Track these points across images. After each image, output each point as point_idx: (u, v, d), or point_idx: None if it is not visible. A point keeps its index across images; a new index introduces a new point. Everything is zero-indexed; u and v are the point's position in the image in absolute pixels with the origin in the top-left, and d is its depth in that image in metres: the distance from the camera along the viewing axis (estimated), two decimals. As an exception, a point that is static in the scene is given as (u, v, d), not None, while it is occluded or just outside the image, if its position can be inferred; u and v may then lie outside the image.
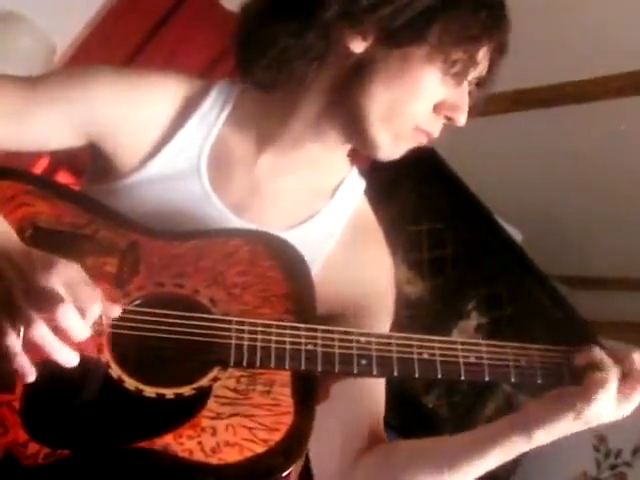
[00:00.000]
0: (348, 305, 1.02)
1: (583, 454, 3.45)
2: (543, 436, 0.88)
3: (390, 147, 0.97)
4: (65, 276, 0.75)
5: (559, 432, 0.88)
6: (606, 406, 0.85)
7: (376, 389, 1.04)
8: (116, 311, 0.81)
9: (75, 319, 0.74)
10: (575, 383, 0.87)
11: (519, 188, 3.13)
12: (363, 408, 1.02)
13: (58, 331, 0.73)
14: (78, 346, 0.75)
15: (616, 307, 3.56)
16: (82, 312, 0.75)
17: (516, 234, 3.29)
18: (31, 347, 0.73)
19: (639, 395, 0.87)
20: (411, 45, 0.91)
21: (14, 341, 0.73)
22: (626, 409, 0.87)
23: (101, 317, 0.78)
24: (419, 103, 0.94)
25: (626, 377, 0.85)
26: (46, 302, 0.73)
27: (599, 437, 3.46)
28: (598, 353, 0.87)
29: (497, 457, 0.91)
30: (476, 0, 0.92)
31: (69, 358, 0.75)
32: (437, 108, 0.95)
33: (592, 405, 0.84)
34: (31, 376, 0.74)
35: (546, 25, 2.21)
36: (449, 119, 0.96)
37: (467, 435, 0.94)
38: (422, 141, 0.97)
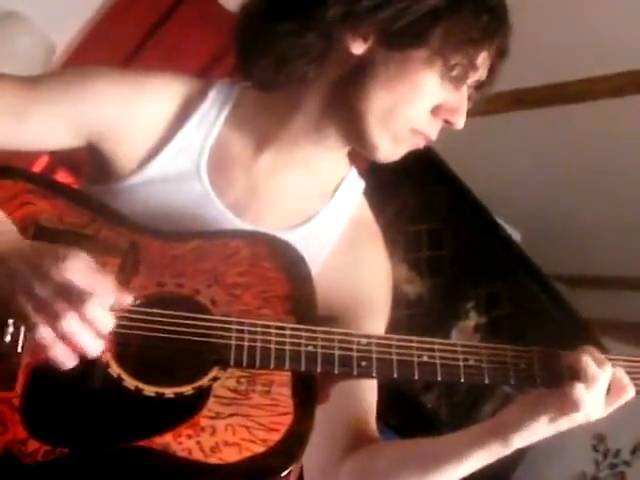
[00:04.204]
0: (345, 306, 1.01)
1: (582, 454, 3.46)
2: (520, 441, 0.89)
3: (388, 149, 0.97)
4: (78, 267, 0.75)
5: (535, 437, 0.88)
6: (583, 413, 0.85)
7: (365, 389, 1.03)
8: (129, 299, 0.81)
9: (100, 310, 0.74)
10: None
11: (518, 188, 3.13)
12: (349, 408, 1.01)
13: (84, 323, 0.74)
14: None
15: (616, 307, 3.56)
16: (102, 302, 0.75)
17: (515, 234, 3.29)
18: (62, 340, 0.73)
19: (619, 403, 0.87)
20: (411, 48, 0.91)
21: (47, 333, 0.73)
22: (603, 413, 0.87)
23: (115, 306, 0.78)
24: (417, 106, 0.94)
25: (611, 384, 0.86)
26: (71, 295, 0.73)
27: (598, 437, 3.46)
28: (584, 359, 0.86)
29: (477, 460, 0.91)
30: (478, 4, 0.92)
31: (97, 349, 0.75)
32: (435, 111, 0.94)
33: (568, 415, 0.85)
34: (73, 362, 0.75)
35: (546, 25, 2.21)
36: (447, 122, 0.96)
37: (449, 437, 0.95)
38: (420, 143, 0.97)
